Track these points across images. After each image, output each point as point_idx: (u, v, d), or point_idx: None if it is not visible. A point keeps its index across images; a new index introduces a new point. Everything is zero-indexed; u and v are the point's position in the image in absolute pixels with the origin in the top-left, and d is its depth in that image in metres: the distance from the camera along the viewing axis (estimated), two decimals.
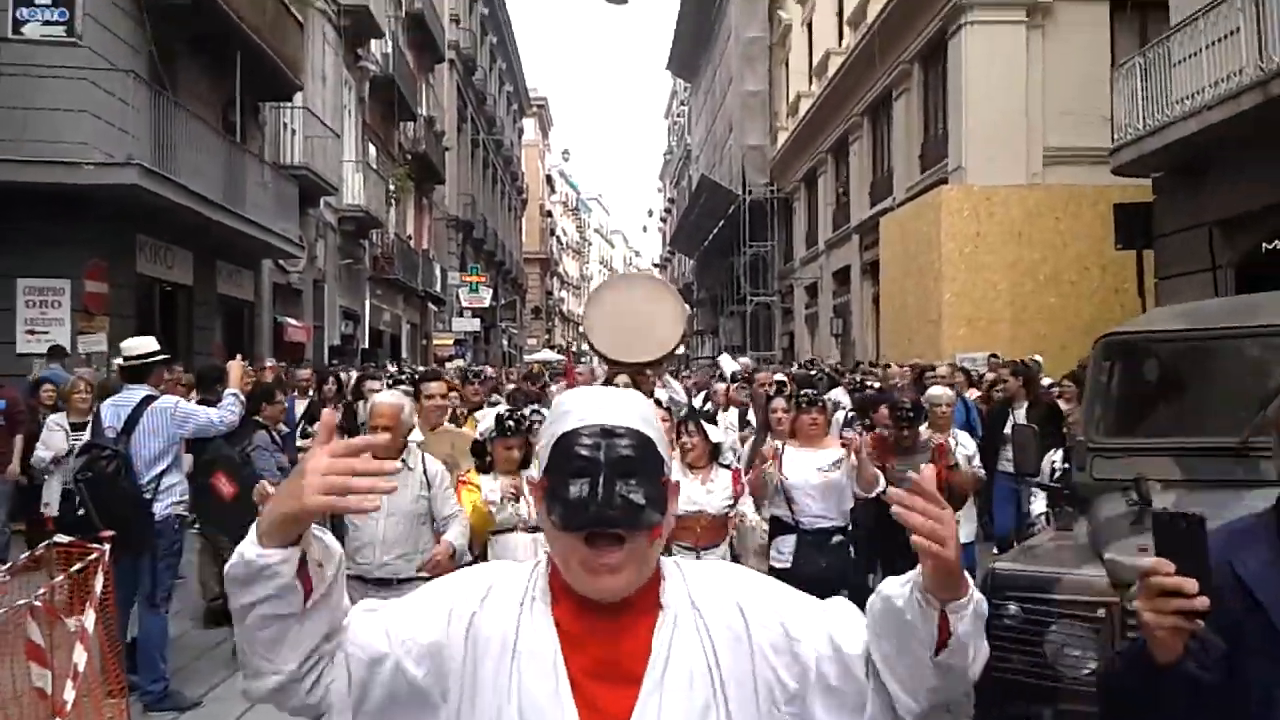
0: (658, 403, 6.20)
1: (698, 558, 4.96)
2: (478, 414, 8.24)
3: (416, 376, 9.63)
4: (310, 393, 10.74)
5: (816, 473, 5.77)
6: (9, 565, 4.32)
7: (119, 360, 6.39)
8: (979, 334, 17.98)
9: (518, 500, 4.95)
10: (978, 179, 19.20)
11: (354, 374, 13.93)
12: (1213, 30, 11.84)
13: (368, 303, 28.48)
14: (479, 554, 5.10)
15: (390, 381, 11.01)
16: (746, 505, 5.71)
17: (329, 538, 1.52)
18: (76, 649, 3.92)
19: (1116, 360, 4.53)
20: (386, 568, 4.70)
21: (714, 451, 5.69)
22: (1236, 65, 11.33)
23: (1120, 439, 4.32)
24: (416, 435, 5.37)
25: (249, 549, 1.45)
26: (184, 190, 13.69)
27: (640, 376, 7.33)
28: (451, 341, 36.56)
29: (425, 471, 4.88)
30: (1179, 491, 3.96)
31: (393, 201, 30.23)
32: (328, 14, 22.89)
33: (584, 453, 1.52)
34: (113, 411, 5.89)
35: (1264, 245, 11.70)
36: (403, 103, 29.56)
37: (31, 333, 12.53)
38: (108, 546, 4.29)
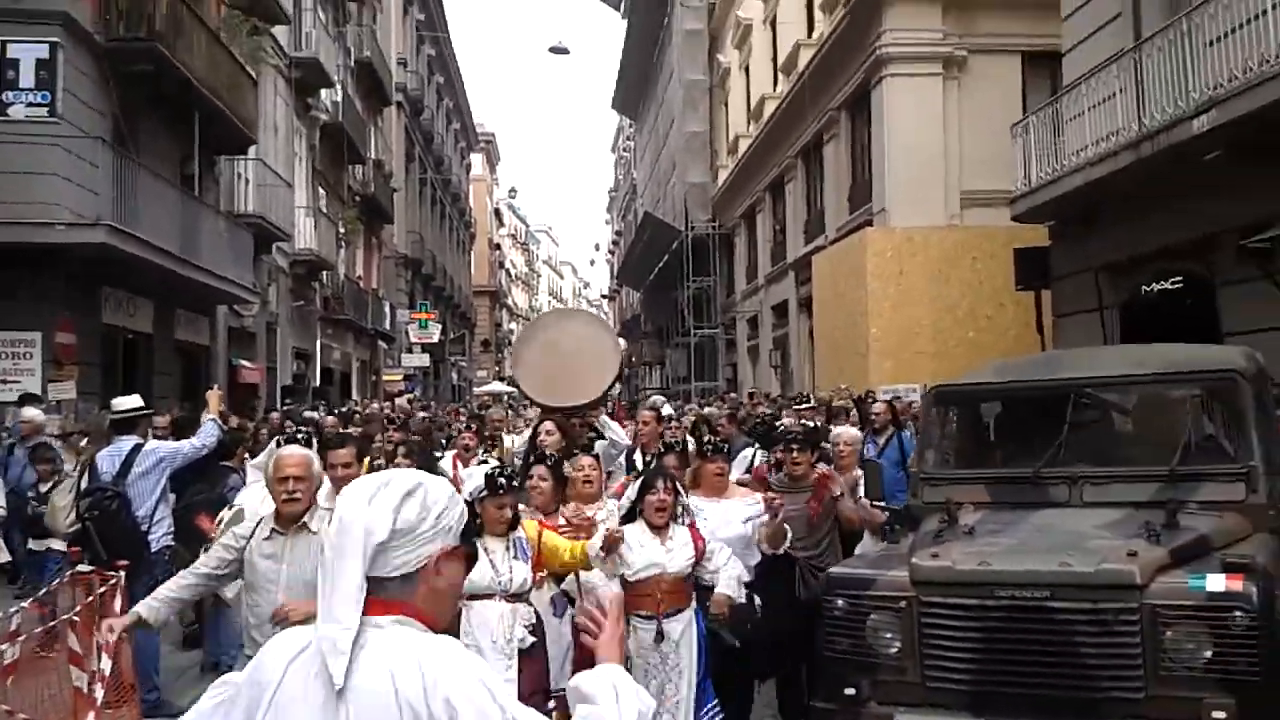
0: (592, 454, 6.02)
1: (659, 628, 4.87)
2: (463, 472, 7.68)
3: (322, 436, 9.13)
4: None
5: (737, 525, 5.49)
6: (43, 590, 5.22)
7: (110, 415, 7.28)
8: (904, 367, 19.03)
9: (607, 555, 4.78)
10: (901, 220, 20.36)
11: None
12: (1100, 90, 13.04)
13: (319, 342, 29.21)
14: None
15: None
16: (727, 577, 5.09)
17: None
18: (103, 658, 4.80)
19: (943, 407, 5.62)
20: None
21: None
22: (1119, 125, 12.52)
23: (943, 470, 5.40)
24: (325, 497, 4.97)
25: None
26: (147, 245, 14.49)
27: (574, 420, 7.09)
28: (401, 377, 37.25)
29: None
30: (985, 511, 5.01)
31: (343, 244, 31.04)
32: (280, 68, 23.77)
33: None
34: (109, 460, 6.80)
35: (1143, 288, 12.93)
36: (352, 147, 30.44)
37: (4, 382, 13.24)
38: (123, 574, 5.18)
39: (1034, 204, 14.41)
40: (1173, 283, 12.39)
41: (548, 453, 6.17)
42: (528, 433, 7.36)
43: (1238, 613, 3.86)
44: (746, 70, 34.31)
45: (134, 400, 7.31)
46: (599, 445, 6.76)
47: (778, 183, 30.28)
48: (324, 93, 28.07)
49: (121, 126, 15.33)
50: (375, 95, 35.71)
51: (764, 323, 32.37)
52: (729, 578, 5.04)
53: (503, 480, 4.84)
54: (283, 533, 4.46)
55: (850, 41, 22.05)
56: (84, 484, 6.75)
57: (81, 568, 5.40)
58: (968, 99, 20.68)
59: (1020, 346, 16.80)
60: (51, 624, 4.70)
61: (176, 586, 4.42)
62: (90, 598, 4.90)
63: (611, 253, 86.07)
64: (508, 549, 4.76)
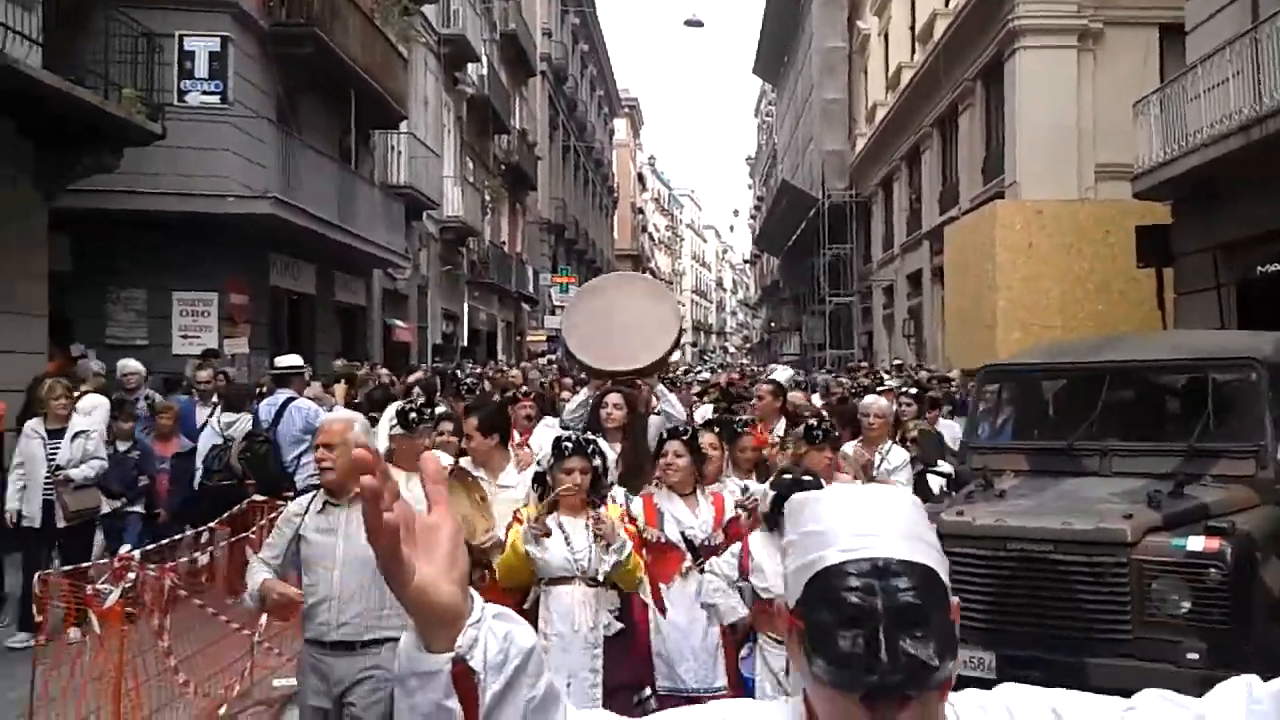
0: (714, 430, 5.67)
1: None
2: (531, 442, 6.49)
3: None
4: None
5: None
6: (226, 514, 6.39)
7: (270, 371, 8.51)
8: (1032, 339, 18.87)
9: (539, 541, 4.23)
10: (1032, 193, 20.37)
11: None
12: (1217, 72, 13.06)
13: (466, 304, 30.80)
14: (529, 606, 4.33)
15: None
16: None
17: (517, 631, 1.21)
18: None
19: (993, 383, 6.23)
20: (344, 629, 4.01)
21: None
22: (1234, 106, 12.56)
23: (989, 440, 6.03)
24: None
25: (405, 642, 1.18)
26: (307, 215, 15.86)
27: (634, 389, 6.35)
28: (544, 337, 38.68)
29: None
30: (1023, 478, 5.64)
31: (488, 210, 32.48)
32: (429, 45, 25.11)
33: (855, 599, 1.21)
34: (266, 409, 8.05)
35: (1259, 268, 12.99)
36: (497, 118, 31.75)
37: (184, 337, 14.86)
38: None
39: (1154, 181, 14.51)
40: None
41: (609, 427, 5.77)
42: (578, 398, 6.81)
43: (1212, 570, 4.45)
44: (885, 38, 34.22)
45: (292, 359, 8.55)
46: (653, 420, 6.18)
47: (914, 152, 30.31)
48: (470, 66, 29.38)
49: (284, 105, 16.73)
50: (520, 66, 36.96)
51: (899, 292, 32.49)
52: None
53: (568, 444, 4.37)
54: (336, 504, 4.09)
55: (985, 12, 22.06)
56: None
57: (256, 496, 6.60)
58: (1102, 71, 20.51)
59: (1153, 320, 16.79)
60: (242, 534, 5.81)
61: (259, 566, 4.24)
62: (262, 520, 6.03)
63: (753, 217, 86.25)
64: (587, 526, 4.28)
